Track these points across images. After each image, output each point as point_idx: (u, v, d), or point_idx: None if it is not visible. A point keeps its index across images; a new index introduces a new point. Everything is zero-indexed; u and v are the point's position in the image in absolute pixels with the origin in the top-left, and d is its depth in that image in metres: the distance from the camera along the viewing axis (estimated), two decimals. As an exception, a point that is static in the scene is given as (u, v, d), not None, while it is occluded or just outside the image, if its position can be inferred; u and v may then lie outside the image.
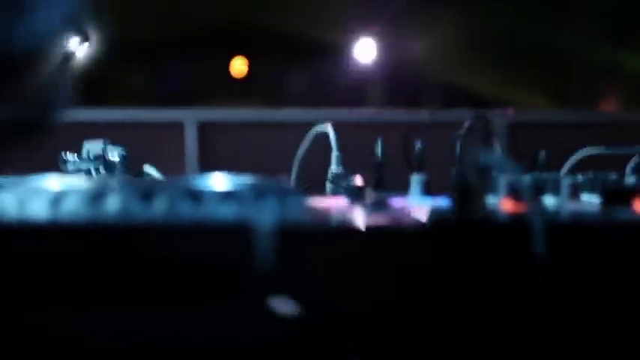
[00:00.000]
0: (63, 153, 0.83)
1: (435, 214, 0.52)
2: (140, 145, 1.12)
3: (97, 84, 2.44)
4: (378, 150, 0.93)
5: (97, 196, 0.49)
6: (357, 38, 2.47)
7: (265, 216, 0.47)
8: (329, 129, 1.00)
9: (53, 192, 0.50)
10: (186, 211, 0.49)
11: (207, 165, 1.98)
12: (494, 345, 0.47)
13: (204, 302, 0.46)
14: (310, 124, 1.10)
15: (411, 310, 0.47)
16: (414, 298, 0.47)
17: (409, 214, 0.53)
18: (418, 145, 0.91)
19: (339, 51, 2.50)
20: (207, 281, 0.46)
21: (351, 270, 0.47)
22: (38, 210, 0.49)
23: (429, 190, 0.64)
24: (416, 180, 0.65)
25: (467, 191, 0.51)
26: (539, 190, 0.58)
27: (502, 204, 0.57)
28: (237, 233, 0.46)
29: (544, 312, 0.47)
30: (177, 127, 1.98)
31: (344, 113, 1.89)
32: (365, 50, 2.47)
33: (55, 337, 0.46)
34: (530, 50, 2.49)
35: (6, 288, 0.45)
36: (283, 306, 0.45)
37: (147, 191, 0.49)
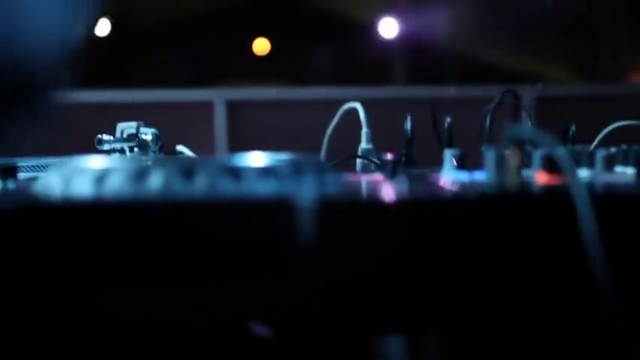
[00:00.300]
0: (99, 134, 0.85)
1: (474, 188, 0.52)
2: (169, 124, 1.13)
3: (119, 66, 2.46)
4: (408, 126, 0.93)
5: (139, 175, 0.50)
6: (381, 15, 2.46)
7: (305, 192, 0.48)
8: (359, 107, 1.00)
9: (97, 171, 0.51)
10: (227, 188, 0.50)
11: (236, 144, 1.99)
12: (532, 320, 0.48)
13: (245, 279, 0.47)
14: (338, 102, 1.10)
15: (452, 285, 0.47)
16: (456, 272, 0.47)
17: (447, 188, 0.54)
18: (447, 120, 0.91)
19: (362, 28, 2.50)
20: (249, 257, 0.47)
21: (391, 245, 0.47)
22: (82, 189, 0.51)
23: (462, 164, 0.65)
24: (449, 155, 0.65)
25: (504, 165, 0.52)
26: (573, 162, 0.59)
27: (537, 177, 0.57)
28: (278, 209, 0.47)
29: (587, 284, 0.48)
30: (206, 107, 1.99)
31: (371, 91, 1.89)
32: (388, 27, 2.46)
33: (100, 314, 0.47)
34: (557, 24, 2.47)
35: (51, 266, 0.46)
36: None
37: (188, 169, 0.50)
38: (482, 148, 0.79)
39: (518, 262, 0.48)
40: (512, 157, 0.53)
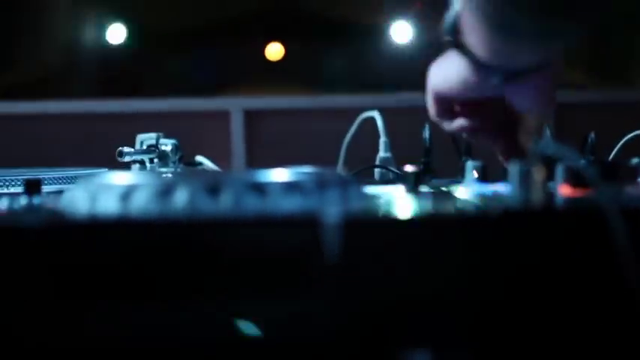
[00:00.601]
0: (120, 147, 0.85)
1: (498, 203, 0.52)
2: (186, 133, 1.13)
3: (133, 75, 2.47)
4: (426, 135, 0.93)
5: (165, 191, 0.50)
6: (393, 20, 2.46)
7: (330, 207, 0.48)
8: (377, 115, 1.00)
9: (122, 187, 0.51)
10: (252, 204, 0.50)
11: (254, 152, 2.00)
12: (561, 335, 0.48)
13: (270, 295, 0.47)
14: (355, 110, 1.11)
15: (478, 300, 0.47)
16: (482, 287, 0.47)
17: (471, 203, 0.54)
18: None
19: (375, 33, 2.49)
20: (274, 273, 0.47)
21: (416, 260, 0.47)
22: (108, 205, 0.51)
23: (484, 176, 0.65)
24: (471, 167, 0.65)
25: (529, 177, 0.52)
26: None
27: (561, 190, 0.57)
28: (303, 225, 0.47)
29: (619, 298, 0.47)
30: (223, 116, 1.99)
31: (389, 98, 1.89)
32: (401, 32, 2.46)
33: (125, 330, 0.47)
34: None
35: (77, 283, 0.47)
36: None
37: (213, 185, 0.50)
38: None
39: (546, 277, 0.48)
40: (537, 172, 0.53)
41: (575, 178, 0.57)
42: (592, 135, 0.88)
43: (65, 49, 2.44)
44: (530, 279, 0.47)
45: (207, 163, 0.94)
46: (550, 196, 0.54)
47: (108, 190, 0.51)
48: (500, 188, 0.60)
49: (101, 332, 0.47)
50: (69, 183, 0.76)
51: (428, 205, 0.55)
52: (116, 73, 2.33)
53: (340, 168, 1.05)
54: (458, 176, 0.80)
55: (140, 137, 0.89)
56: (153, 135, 0.88)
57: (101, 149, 1.21)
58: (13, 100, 2.11)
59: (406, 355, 0.48)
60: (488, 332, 0.48)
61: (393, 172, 0.90)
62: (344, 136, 1.11)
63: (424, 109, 0.69)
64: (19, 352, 0.47)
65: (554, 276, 0.48)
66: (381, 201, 0.57)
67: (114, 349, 0.47)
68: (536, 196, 0.52)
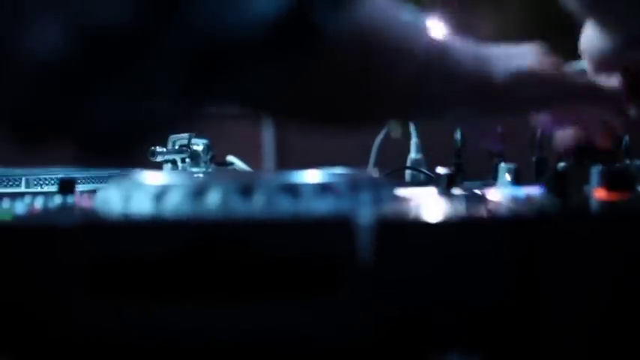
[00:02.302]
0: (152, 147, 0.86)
1: (533, 206, 0.52)
2: (217, 134, 1.14)
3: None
4: (458, 136, 0.93)
5: (198, 192, 0.50)
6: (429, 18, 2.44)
7: (363, 209, 0.48)
8: (408, 116, 1.00)
9: (156, 187, 0.51)
10: (284, 205, 0.50)
11: (284, 153, 2.00)
12: (597, 343, 0.47)
13: (303, 296, 0.47)
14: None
15: (511, 305, 0.47)
16: (515, 292, 0.47)
17: (505, 206, 0.53)
18: (497, 130, 0.91)
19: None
20: (306, 275, 0.47)
21: (449, 263, 0.47)
22: (141, 205, 0.51)
23: (517, 179, 0.64)
24: (504, 169, 0.64)
25: (565, 181, 0.51)
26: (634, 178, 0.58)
27: (596, 194, 0.56)
28: (336, 227, 0.47)
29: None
30: (254, 116, 2.00)
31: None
32: (436, 30, 2.44)
33: (157, 329, 0.47)
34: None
35: (110, 282, 0.47)
36: None
37: (246, 187, 0.50)
38: (534, 160, 0.79)
39: (581, 282, 0.47)
40: (573, 174, 0.52)
41: (611, 182, 0.57)
42: (626, 137, 0.87)
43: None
44: (563, 284, 0.47)
45: (239, 163, 0.94)
46: (585, 199, 0.53)
47: (141, 190, 0.51)
48: (533, 191, 0.59)
49: (133, 331, 0.47)
50: (102, 182, 0.76)
51: (461, 208, 0.54)
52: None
53: (371, 169, 1.04)
54: (490, 178, 0.80)
55: (172, 137, 0.90)
56: (185, 135, 0.89)
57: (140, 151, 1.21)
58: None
59: (438, 358, 0.48)
60: (520, 336, 0.47)
61: (424, 173, 0.90)
62: (375, 138, 1.11)
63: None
64: (51, 351, 0.47)
65: (588, 281, 0.47)
66: (414, 203, 0.57)
67: (146, 348, 0.47)
68: (571, 199, 0.51)
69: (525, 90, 0.58)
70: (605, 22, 0.60)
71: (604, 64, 0.63)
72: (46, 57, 0.43)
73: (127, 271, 0.47)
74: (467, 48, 0.57)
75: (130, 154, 0.49)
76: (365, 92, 0.53)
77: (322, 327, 0.47)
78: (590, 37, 0.64)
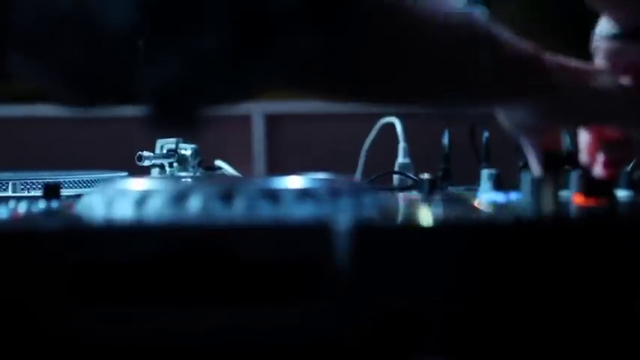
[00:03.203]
0: (139, 151, 0.86)
1: (510, 211, 0.52)
2: (207, 137, 1.14)
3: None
4: (445, 141, 0.93)
5: (179, 198, 0.51)
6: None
7: (342, 215, 0.48)
8: (396, 121, 1.01)
9: (138, 193, 0.52)
10: (265, 211, 0.50)
11: (274, 157, 2.01)
12: (575, 346, 0.48)
13: (283, 301, 0.47)
14: (376, 115, 1.11)
15: (491, 309, 0.48)
16: (494, 296, 0.48)
17: (483, 210, 0.54)
18: (485, 135, 0.91)
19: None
20: (286, 280, 0.47)
21: (428, 268, 0.47)
22: (124, 211, 0.52)
23: (499, 184, 0.65)
24: (486, 175, 0.65)
25: (542, 186, 0.52)
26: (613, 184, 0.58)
27: (575, 199, 0.57)
28: (315, 233, 0.47)
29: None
30: (244, 120, 2.01)
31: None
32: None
33: (137, 333, 0.48)
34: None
35: (93, 286, 0.47)
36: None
37: (226, 192, 0.51)
38: (520, 165, 0.79)
39: (557, 286, 0.48)
40: (549, 180, 0.53)
41: (589, 187, 0.57)
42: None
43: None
44: (541, 287, 0.48)
45: (227, 168, 0.95)
46: (562, 205, 0.54)
47: (123, 196, 0.52)
48: (515, 197, 0.60)
49: (114, 334, 0.48)
50: (88, 186, 0.77)
51: (440, 213, 0.55)
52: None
53: (357, 174, 1.05)
54: (476, 184, 0.80)
55: (160, 142, 0.90)
56: (173, 139, 0.89)
57: (122, 152, 1.22)
58: (33, 102, 2.13)
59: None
60: (500, 340, 0.48)
61: (410, 178, 0.90)
62: (364, 141, 1.12)
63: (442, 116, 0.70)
64: (35, 353, 0.48)
65: (565, 285, 0.48)
66: (394, 208, 0.57)
67: (126, 351, 0.48)
68: (548, 204, 0.52)
69: (588, 102, 0.59)
70: (616, 13, 0.61)
71: (615, 55, 0.63)
72: (109, 21, 0.45)
73: (108, 275, 0.47)
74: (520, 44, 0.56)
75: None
76: (402, 66, 0.54)
77: (302, 331, 0.47)
78: (603, 30, 0.64)
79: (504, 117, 0.61)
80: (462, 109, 0.59)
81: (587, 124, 0.61)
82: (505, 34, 0.56)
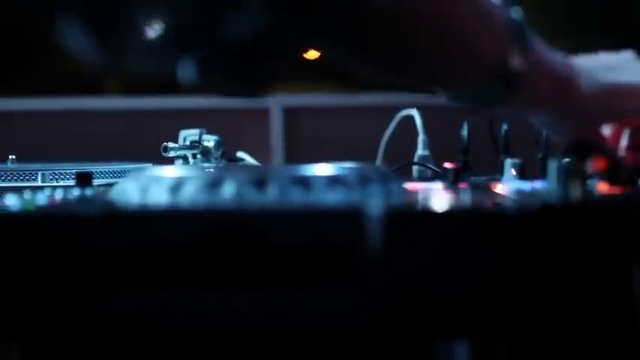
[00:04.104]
0: (164, 142, 0.87)
1: (537, 198, 0.53)
2: (227, 130, 1.15)
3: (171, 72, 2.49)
4: (464, 133, 0.94)
5: (213, 184, 0.52)
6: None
7: (373, 201, 0.49)
8: (415, 113, 1.01)
9: (172, 179, 0.53)
10: (297, 197, 0.51)
11: (293, 150, 2.02)
12: (598, 331, 0.49)
13: (315, 284, 0.49)
14: (394, 108, 1.12)
15: (516, 293, 0.49)
16: (520, 281, 0.48)
17: (510, 198, 0.55)
18: (504, 127, 0.92)
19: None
20: (318, 264, 0.48)
21: (456, 253, 0.48)
22: (158, 197, 0.53)
23: (523, 174, 0.66)
24: (509, 164, 0.66)
25: (569, 174, 0.53)
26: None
27: (599, 187, 0.58)
28: (346, 218, 0.49)
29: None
30: (263, 113, 2.02)
31: (427, 97, 1.89)
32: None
33: (174, 317, 0.49)
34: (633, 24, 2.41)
35: (129, 271, 0.49)
36: None
37: (259, 179, 0.52)
38: (540, 156, 0.80)
39: (583, 273, 0.49)
40: (576, 168, 0.54)
41: (614, 176, 0.58)
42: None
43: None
44: (566, 274, 0.48)
45: (249, 159, 0.96)
46: (588, 193, 0.55)
47: (158, 183, 0.53)
48: (539, 185, 0.61)
49: (151, 317, 0.49)
50: (117, 177, 0.78)
51: (467, 200, 0.56)
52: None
53: (380, 165, 1.06)
54: (496, 174, 0.81)
55: (183, 133, 0.91)
56: (196, 131, 0.90)
57: (144, 145, 1.23)
58: (56, 96, 2.15)
59: (445, 346, 0.49)
60: (525, 326, 0.49)
61: (431, 169, 0.91)
62: (381, 134, 1.13)
63: (462, 107, 0.71)
64: (72, 337, 0.49)
65: (588, 272, 0.49)
66: (421, 196, 0.58)
67: (162, 333, 0.49)
68: (574, 193, 0.53)
69: (614, 102, 0.60)
70: None
71: None
72: None
73: (145, 259, 0.48)
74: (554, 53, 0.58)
75: (258, 72, 0.52)
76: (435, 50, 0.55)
77: (332, 313, 0.49)
78: None
79: (536, 122, 0.63)
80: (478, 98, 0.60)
81: (612, 122, 0.62)
82: (539, 41, 0.57)
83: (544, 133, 0.82)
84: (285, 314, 0.49)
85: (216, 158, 0.90)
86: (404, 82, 0.60)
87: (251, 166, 0.87)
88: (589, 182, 0.57)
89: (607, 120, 0.61)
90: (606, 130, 0.63)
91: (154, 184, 0.53)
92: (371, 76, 0.60)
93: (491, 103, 0.56)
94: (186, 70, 0.52)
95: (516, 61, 0.55)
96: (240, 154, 0.97)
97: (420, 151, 0.98)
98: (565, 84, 0.58)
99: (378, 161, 1.07)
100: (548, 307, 0.49)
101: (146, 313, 0.49)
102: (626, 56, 0.63)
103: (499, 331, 0.49)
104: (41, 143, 2.00)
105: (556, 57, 0.59)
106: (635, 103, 0.61)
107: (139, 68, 0.58)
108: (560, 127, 0.61)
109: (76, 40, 0.51)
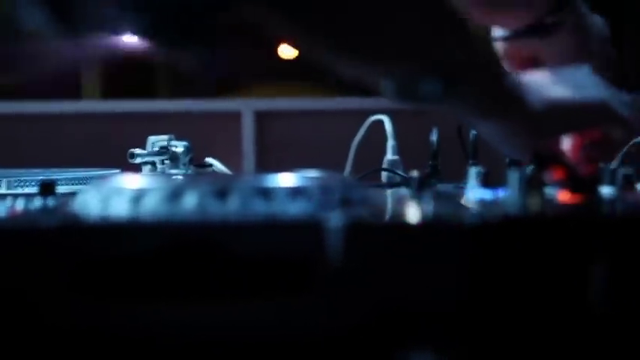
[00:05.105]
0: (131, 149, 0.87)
1: (496, 209, 0.54)
2: (197, 134, 1.15)
3: (145, 73, 2.48)
4: (434, 138, 0.95)
5: (174, 195, 0.52)
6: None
7: (333, 212, 0.49)
8: (385, 119, 1.02)
9: (133, 190, 0.53)
10: (259, 208, 0.51)
11: (264, 153, 2.02)
12: (558, 342, 0.49)
13: (275, 296, 0.49)
14: (366, 112, 1.12)
15: (476, 304, 0.49)
16: (481, 291, 0.49)
17: (469, 208, 0.55)
18: (472, 133, 0.93)
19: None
20: (279, 275, 0.49)
21: (417, 264, 0.49)
22: (119, 208, 0.53)
23: (487, 182, 0.66)
24: (473, 172, 0.66)
25: (528, 184, 0.53)
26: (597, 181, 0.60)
27: (560, 196, 0.58)
28: (307, 230, 0.49)
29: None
30: (234, 117, 2.02)
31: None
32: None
33: (134, 329, 0.49)
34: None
35: (89, 283, 0.48)
36: None
37: (221, 190, 0.52)
38: (507, 162, 0.81)
39: (543, 282, 0.49)
40: (535, 176, 0.54)
41: (574, 184, 0.59)
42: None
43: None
44: (526, 284, 0.49)
45: (218, 165, 0.96)
46: (547, 202, 0.55)
47: (119, 194, 0.53)
48: (502, 194, 0.61)
49: (111, 329, 0.49)
50: (82, 184, 0.78)
51: (429, 211, 0.56)
52: (128, 74, 2.34)
53: (347, 171, 1.06)
54: (463, 180, 0.82)
55: (151, 139, 0.91)
56: (164, 137, 0.90)
57: (115, 149, 1.23)
58: (25, 99, 2.14)
59: (405, 357, 0.49)
60: (484, 336, 0.49)
61: (399, 175, 0.92)
62: (353, 138, 1.13)
63: (432, 113, 0.71)
64: (34, 349, 0.49)
65: (547, 281, 0.49)
66: (384, 206, 0.59)
67: (122, 345, 0.49)
68: (534, 203, 0.53)
69: (564, 118, 0.61)
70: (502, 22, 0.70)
71: (510, 54, 0.71)
72: None
73: (105, 272, 0.48)
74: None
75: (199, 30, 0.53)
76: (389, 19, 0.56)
77: (294, 325, 0.49)
78: (496, 34, 0.72)
79: (485, 134, 0.64)
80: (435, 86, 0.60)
81: (566, 135, 0.64)
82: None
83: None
84: (246, 326, 0.49)
85: (185, 164, 0.90)
86: (341, 66, 0.61)
87: (214, 176, 0.87)
88: (549, 191, 0.58)
89: (559, 134, 0.62)
90: (566, 142, 0.64)
91: (115, 196, 0.53)
92: (306, 52, 0.61)
93: (428, 99, 0.57)
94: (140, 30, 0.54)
95: (456, 58, 0.56)
96: (209, 160, 0.97)
97: (390, 156, 0.98)
98: (512, 99, 0.60)
99: (348, 165, 1.08)
100: (508, 317, 0.49)
101: (106, 326, 0.49)
102: (582, 70, 0.64)
103: (459, 341, 0.49)
104: (11, 148, 1.98)
105: (503, 69, 0.60)
106: (585, 117, 0.62)
107: (93, 35, 0.60)
108: (513, 142, 0.62)
109: (32, 17, 0.52)
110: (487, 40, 0.60)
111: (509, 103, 0.60)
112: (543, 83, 0.62)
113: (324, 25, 0.56)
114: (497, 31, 0.72)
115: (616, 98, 0.64)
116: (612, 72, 0.71)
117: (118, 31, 0.57)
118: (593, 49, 0.71)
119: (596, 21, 0.73)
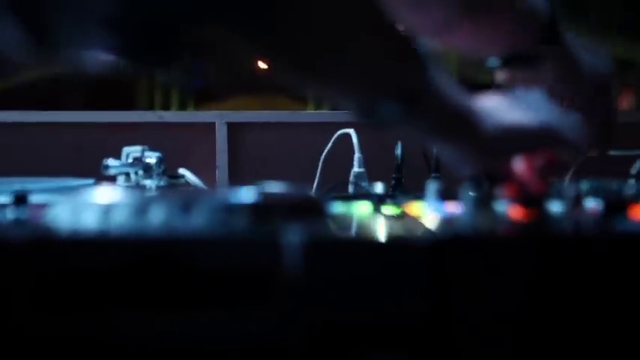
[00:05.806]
0: (105, 159, 0.89)
1: (451, 225, 0.57)
2: (172, 145, 1.17)
3: (119, 86, 2.49)
4: (398, 152, 0.98)
5: (142, 209, 0.54)
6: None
7: (292, 229, 0.52)
8: (352, 132, 1.05)
9: (103, 205, 0.55)
10: (221, 223, 0.54)
11: (237, 164, 2.04)
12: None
13: (235, 308, 0.51)
14: (336, 125, 1.15)
15: (429, 321, 0.52)
16: (433, 310, 0.52)
17: (423, 225, 0.58)
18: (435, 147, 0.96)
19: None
20: (239, 290, 0.51)
21: (371, 281, 0.51)
22: (89, 222, 0.55)
23: (444, 196, 0.69)
24: (432, 187, 0.69)
25: (478, 200, 0.56)
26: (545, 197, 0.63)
27: (512, 211, 0.61)
28: (266, 246, 0.51)
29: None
30: (208, 128, 2.04)
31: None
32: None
33: (101, 341, 0.51)
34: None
35: (56, 296, 0.51)
36: None
37: (186, 205, 0.54)
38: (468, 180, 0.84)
39: (493, 295, 0.52)
40: (486, 193, 0.57)
41: (526, 199, 0.62)
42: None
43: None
44: (478, 300, 0.52)
45: (190, 176, 0.98)
46: (498, 219, 0.58)
47: (88, 208, 0.55)
48: (457, 209, 0.64)
49: (78, 341, 0.51)
50: (57, 194, 0.80)
51: (385, 228, 0.59)
52: (105, 85, 2.36)
53: (315, 182, 1.09)
54: (423, 193, 0.85)
55: (126, 150, 0.93)
56: (138, 148, 0.93)
57: (91, 160, 1.25)
58: (2, 109, 2.15)
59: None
60: (440, 348, 0.52)
61: (363, 187, 0.95)
62: (324, 150, 1.16)
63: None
64: None
65: (499, 295, 0.52)
66: (343, 222, 0.61)
67: (89, 357, 0.51)
68: (486, 218, 0.56)
69: (515, 141, 0.64)
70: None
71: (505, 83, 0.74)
72: None
73: (72, 284, 0.51)
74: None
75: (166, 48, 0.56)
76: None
77: (253, 335, 0.51)
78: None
79: (441, 154, 0.67)
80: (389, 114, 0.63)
81: (516, 155, 0.67)
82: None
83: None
84: (207, 335, 0.51)
85: (158, 175, 0.92)
86: (304, 85, 0.64)
87: (180, 191, 0.90)
88: (501, 207, 0.61)
89: (509, 156, 0.65)
90: (518, 162, 0.67)
91: (84, 210, 0.56)
92: (271, 70, 0.64)
93: (386, 120, 0.61)
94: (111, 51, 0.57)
95: (410, 83, 0.59)
96: (182, 171, 0.99)
97: (356, 168, 1.01)
98: (466, 122, 0.63)
99: (317, 177, 1.10)
100: (459, 333, 0.52)
101: (73, 339, 0.51)
102: (534, 95, 0.67)
103: (411, 355, 0.52)
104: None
105: (458, 94, 0.63)
106: (534, 140, 0.65)
107: (72, 59, 0.62)
108: (466, 163, 0.65)
109: (8, 38, 0.55)
110: (442, 67, 0.63)
111: (463, 126, 0.63)
112: (497, 107, 0.65)
113: (287, 46, 0.59)
114: (491, 61, 0.74)
115: (565, 120, 0.67)
116: (603, 117, 0.74)
117: (91, 49, 0.59)
118: (579, 89, 0.74)
119: (595, 64, 0.77)
